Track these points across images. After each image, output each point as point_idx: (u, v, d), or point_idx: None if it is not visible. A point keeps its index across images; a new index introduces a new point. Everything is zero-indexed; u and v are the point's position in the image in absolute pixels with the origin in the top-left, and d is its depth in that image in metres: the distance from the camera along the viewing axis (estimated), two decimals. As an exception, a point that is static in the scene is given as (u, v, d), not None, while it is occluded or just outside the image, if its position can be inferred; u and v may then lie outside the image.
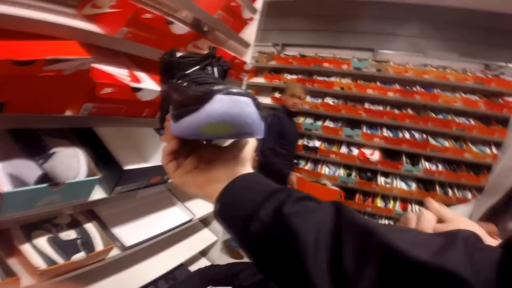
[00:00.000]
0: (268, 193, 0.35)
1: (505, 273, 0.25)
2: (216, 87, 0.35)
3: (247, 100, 0.35)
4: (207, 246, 1.53)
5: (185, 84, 0.41)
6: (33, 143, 0.76)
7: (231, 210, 0.37)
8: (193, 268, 1.46)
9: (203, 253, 1.58)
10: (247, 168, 0.41)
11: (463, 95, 2.76)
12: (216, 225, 1.63)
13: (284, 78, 3.19)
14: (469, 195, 2.70)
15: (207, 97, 0.34)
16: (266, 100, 3.34)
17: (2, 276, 0.71)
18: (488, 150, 2.68)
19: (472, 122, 2.72)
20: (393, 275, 0.27)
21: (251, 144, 0.44)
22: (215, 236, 1.60)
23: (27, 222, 0.78)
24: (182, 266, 1.37)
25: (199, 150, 0.44)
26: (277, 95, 3.28)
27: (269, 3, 1.75)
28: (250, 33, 1.66)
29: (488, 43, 2.82)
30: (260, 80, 3.34)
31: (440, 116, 2.80)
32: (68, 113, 0.77)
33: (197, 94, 0.35)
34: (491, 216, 0.62)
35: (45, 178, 0.74)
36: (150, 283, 1.15)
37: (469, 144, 2.75)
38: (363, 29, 3.15)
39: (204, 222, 1.62)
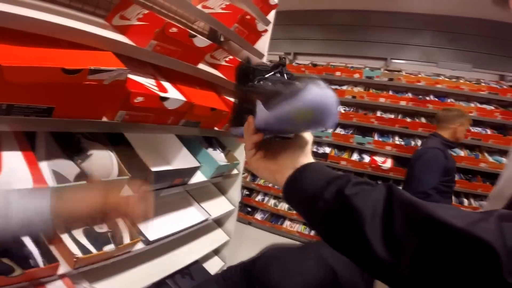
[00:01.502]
0: (330, 178, 0.43)
1: None
2: (310, 82, 0.41)
3: (334, 95, 0.41)
4: (220, 245, 1.60)
5: (270, 83, 0.50)
6: (73, 145, 0.86)
7: (298, 192, 0.45)
8: (206, 265, 1.53)
9: (216, 251, 1.66)
10: (309, 158, 0.49)
11: (478, 105, 2.75)
12: (228, 225, 1.71)
13: (297, 86, 3.26)
14: (486, 205, 2.67)
15: (305, 87, 0.40)
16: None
17: (44, 262, 0.80)
18: (504, 160, 2.64)
19: (488, 131, 2.69)
20: (432, 238, 0.33)
21: (310, 139, 0.52)
22: (227, 236, 1.67)
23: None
24: (197, 263, 1.45)
25: (269, 143, 0.53)
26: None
27: (280, 12, 1.82)
28: (263, 43, 1.74)
29: (502, 54, 2.82)
30: (272, 87, 3.43)
31: None
32: (105, 119, 0.87)
33: (296, 86, 0.42)
34: None
35: (82, 175, 0.84)
36: (168, 276, 1.24)
37: (485, 153, 2.72)
38: (375, 39, 3.20)
39: (218, 222, 1.69)
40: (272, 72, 0.54)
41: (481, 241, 0.29)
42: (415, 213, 0.35)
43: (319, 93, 0.40)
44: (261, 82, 0.52)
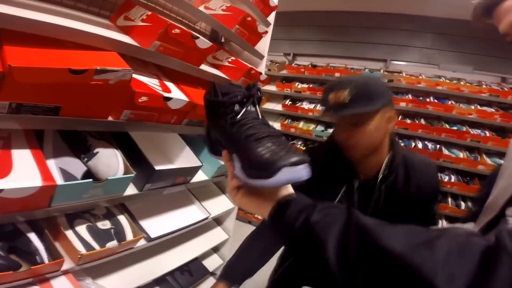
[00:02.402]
0: (302, 208, 0.47)
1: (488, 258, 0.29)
2: (283, 161, 0.45)
3: (304, 168, 0.46)
4: (219, 243, 1.63)
5: (245, 138, 0.50)
6: (79, 143, 0.88)
7: (279, 225, 0.50)
8: (205, 262, 1.55)
9: (215, 249, 1.68)
10: (289, 189, 0.54)
11: (479, 107, 2.73)
12: (227, 224, 1.73)
13: (295, 87, 3.28)
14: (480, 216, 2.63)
15: (276, 169, 0.45)
16: (277, 107, 3.45)
17: (48, 258, 0.82)
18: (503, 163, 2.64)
19: (488, 134, 2.68)
20: (377, 264, 0.36)
21: None
22: (226, 234, 1.69)
23: (71, 212, 0.88)
24: (197, 260, 1.47)
25: None
26: (287, 102, 3.39)
27: (280, 13, 1.84)
28: (264, 45, 1.76)
29: (504, 57, 2.80)
30: (271, 88, 3.44)
31: (455, 128, 2.77)
32: (110, 118, 0.88)
33: (269, 166, 0.45)
34: (484, 233, 0.67)
35: (89, 173, 0.86)
36: (167, 273, 1.25)
37: (484, 156, 2.70)
38: (375, 40, 3.20)
39: (217, 221, 1.71)
40: (244, 109, 0.54)
41: (418, 270, 0.31)
42: (365, 239, 0.38)
43: (290, 176, 0.45)
44: (234, 129, 0.52)
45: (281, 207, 0.50)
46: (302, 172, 0.46)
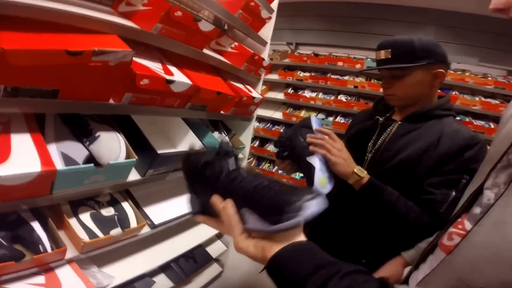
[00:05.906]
0: (318, 265, 0.38)
1: None
2: (303, 198, 0.44)
3: (323, 199, 0.44)
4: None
5: (253, 189, 0.48)
6: (81, 126, 0.85)
7: (282, 272, 0.41)
8: (209, 249, 1.54)
9: (219, 236, 1.68)
10: (301, 236, 0.45)
11: (483, 98, 2.71)
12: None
13: (298, 75, 3.25)
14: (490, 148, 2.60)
15: (303, 208, 0.43)
16: (279, 95, 3.41)
17: (52, 247, 0.80)
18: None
19: (492, 125, 2.65)
20: None
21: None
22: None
23: (75, 199, 0.86)
24: (201, 247, 1.47)
25: None
26: (289, 91, 3.35)
27: (283, 4, 1.80)
28: (267, 31, 1.72)
29: (510, 50, 2.77)
30: (274, 76, 3.41)
31: (457, 118, 2.76)
32: (111, 101, 0.85)
33: (296, 205, 0.43)
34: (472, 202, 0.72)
35: (91, 158, 0.83)
36: (172, 260, 1.25)
37: (488, 147, 2.67)
38: (378, 31, 3.17)
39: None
40: (235, 167, 0.52)
41: None
42: None
43: (317, 207, 0.43)
44: (234, 182, 0.50)
45: (291, 253, 0.41)
46: (322, 203, 0.44)
